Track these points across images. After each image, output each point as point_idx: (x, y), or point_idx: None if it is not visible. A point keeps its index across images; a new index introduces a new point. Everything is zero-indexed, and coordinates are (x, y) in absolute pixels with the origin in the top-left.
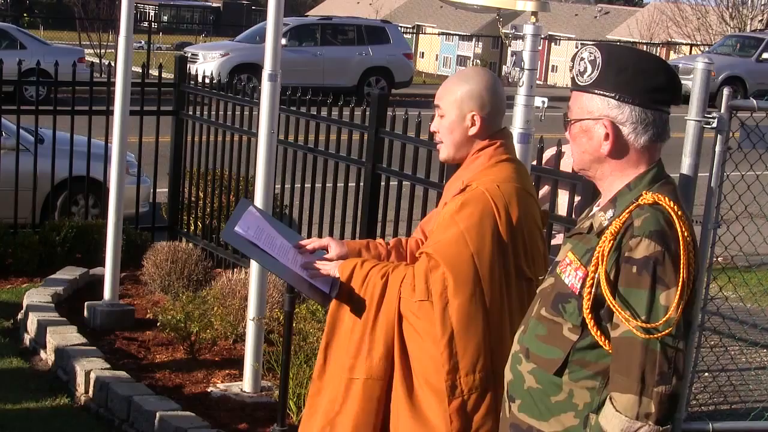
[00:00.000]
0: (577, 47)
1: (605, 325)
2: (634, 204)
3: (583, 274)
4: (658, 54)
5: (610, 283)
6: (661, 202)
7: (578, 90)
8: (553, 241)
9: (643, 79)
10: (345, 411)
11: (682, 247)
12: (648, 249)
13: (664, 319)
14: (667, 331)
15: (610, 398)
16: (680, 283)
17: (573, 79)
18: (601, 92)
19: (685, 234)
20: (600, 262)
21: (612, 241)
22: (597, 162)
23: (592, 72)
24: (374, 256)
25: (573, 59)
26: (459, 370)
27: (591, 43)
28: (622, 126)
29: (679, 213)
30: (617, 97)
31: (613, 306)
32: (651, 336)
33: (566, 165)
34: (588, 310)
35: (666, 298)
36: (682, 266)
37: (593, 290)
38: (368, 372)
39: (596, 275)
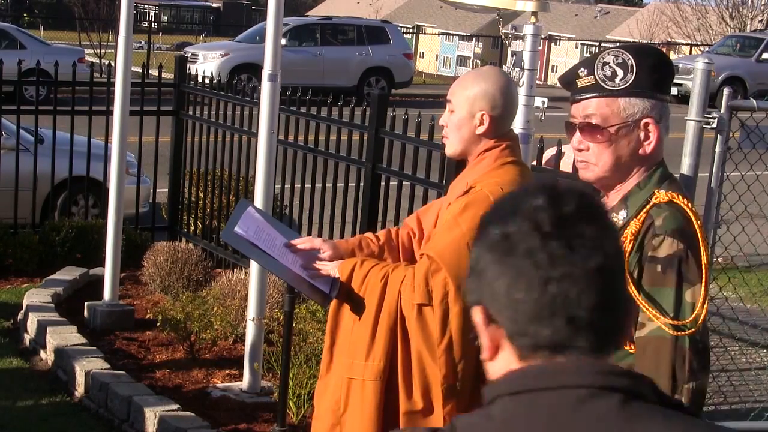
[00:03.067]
0: (577, 47)
1: None
2: (650, 203)
3: None
4: None
5: (634, 283)
6: (676, 200)
7: (609, 96)
8: None
9: (670, 74)
10: (350, 410)
11: (701, 243)
12: (671, 247)
13: (693, 316)
14: (695, 328)
15: None
16: (704, 279)
17: (597, 85)
18: (642, 93)
19: (701, 230)
20: None
21: (633, 242)
22: (629, 163)
23: (627, 74)
24: (367, 255)
25: (590, 66)
26: (457, 374)
27: (617, 47)
28: (660, 123)
29: (693, 209)
30: (657, 95)
31: (642, 304)
32: (681, 333)
33: (566, 165)
34: None
35: (692, 295)
36: (703, 262)
37: None
38: (367, 373)
39: None
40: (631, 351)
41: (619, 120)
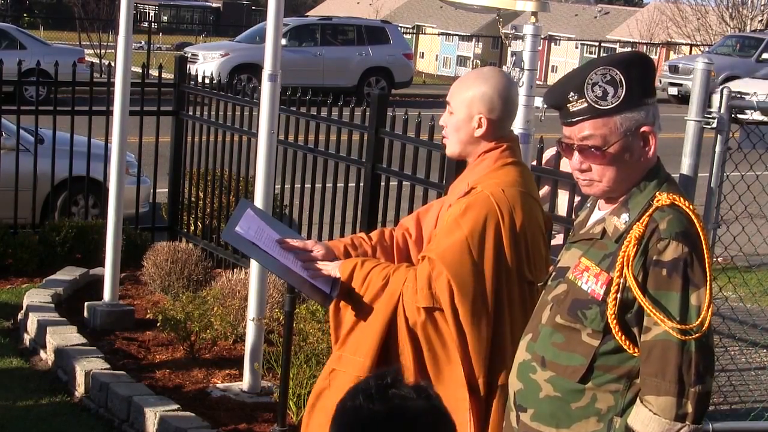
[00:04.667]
0: (577, 47)
1: (632, 329)
2: (653, 206)
3: (606, 279)
4: (657, 54)
5: (640, 287)
6: (678, 202)
7: (604, 115)
8: (553, 242)
9: (654, 75)
10: (325, 398)
11: (704, 246)
12: (676, 251)
13: (699, 320)
14: (701, 332)
15: (644, 402)
16: (708, 282)
17: (590, 107)
18: (639, 104)
19: (704, 232)
20: (626, 266)
21: (637, 245)
22: (634, 173)
23: (618, 90)
24: (360, 254)
25: (579, 89)
26: (474, 372)
27: (597, 65)
28: (653, 126)
29: (695, 211)
30: (650, 101)
31: (649, 308)
32: (688, 337)
33: (566, 165)
34: (613, 315)
35: (697, 299)
36: (706, 265)
37: (619, 295)
38: (356, 369)
39: (622, 280)
40: (635, 354)
41: (618, 136)
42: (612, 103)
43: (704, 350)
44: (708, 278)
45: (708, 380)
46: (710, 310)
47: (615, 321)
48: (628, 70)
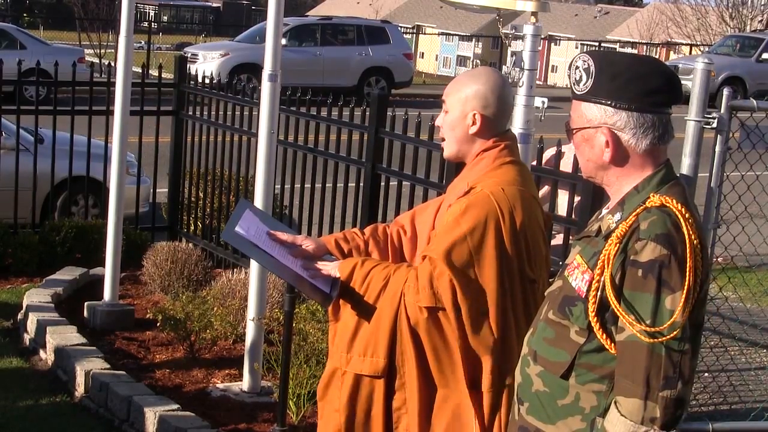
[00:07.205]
0: (577, 47)
1: (611, 328)
2: (641, 206)
3: (590, 277)
4: (657, 54)
5: (615, 287)
6: (668, 205)
7: (576, 99)
8: (553, 242)
9: (638, 84)
10: (336, 401)
11: (688, 251)
12: (654, 252)
13: (669, 323)
14: (672, 335)
15: (615, 402)
16: (686, 287)
17: (571, 88)
18: (597, 100)
19: (692, 237)
20: (606, 265)
21: (618, 244)
22: (601, 169)
23: (587, 80)
24: (353, 247)
25: (570, 68)
26: (478, 370)
27: (586, 52)
28: (620, 132)
29: (687, 215)
30: (613, 104)
31: (618, 310)
32: (656, 340)
33: (566, 165)
34: (593, 314)
35: (671, 302)
36: (688, 270)
37: (598, 293)
38: (365, 368)
39: (602, 278)
40: (614, 353)
41: (581, 124)
42: (582, 90)
43: (676, 355)
44: (687, 284)
45: (680, 387)
46: (686, 315)
47: (596, 319)
48: (603, 65)
